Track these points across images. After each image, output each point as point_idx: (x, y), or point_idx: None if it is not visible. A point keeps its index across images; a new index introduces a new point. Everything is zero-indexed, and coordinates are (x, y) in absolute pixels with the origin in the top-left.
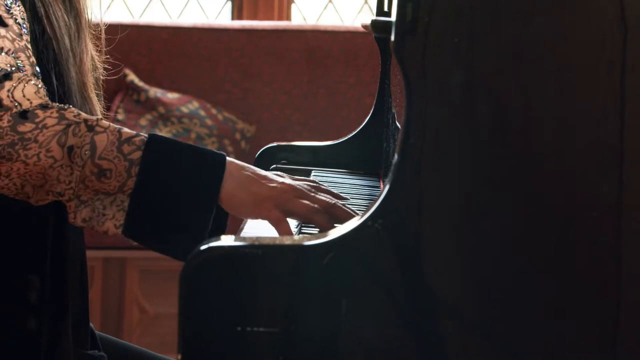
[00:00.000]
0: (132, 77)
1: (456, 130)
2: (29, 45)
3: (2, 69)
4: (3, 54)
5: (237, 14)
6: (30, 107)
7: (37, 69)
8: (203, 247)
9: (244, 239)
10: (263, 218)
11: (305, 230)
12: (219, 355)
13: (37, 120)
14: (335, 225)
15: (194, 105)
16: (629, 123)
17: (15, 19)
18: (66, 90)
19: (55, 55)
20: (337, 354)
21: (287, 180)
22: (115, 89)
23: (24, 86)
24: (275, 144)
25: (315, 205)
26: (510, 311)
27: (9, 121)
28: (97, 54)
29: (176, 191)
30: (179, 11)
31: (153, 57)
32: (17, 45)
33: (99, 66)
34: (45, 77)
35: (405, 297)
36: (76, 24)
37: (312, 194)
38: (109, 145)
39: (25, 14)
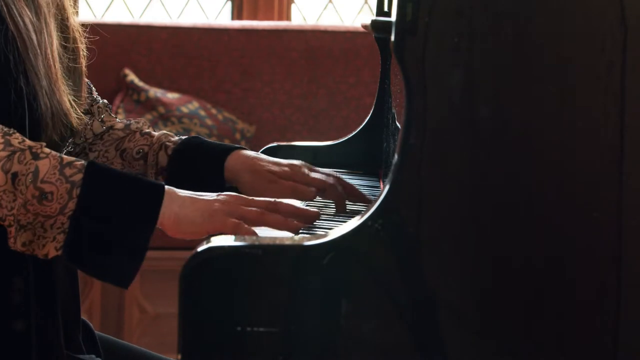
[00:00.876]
0: (132, 77)
1: (456, 130)
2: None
3: None
4: None
5: (237, 14)
6: None
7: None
8: (203, 247)
9: (244, 239)
10: (218, 230)
11: (305, 230)
12: (219, 355)
13: None
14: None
15: (194, 105)
16: (629, 123)
17: None
18: (34, 86)
19: (20, 53)
20: (337, 354)
21: (222, 195)
22: (115, 89)
23: None
24: (275, 144)
25: (260, 210)
26: (510, 311)
27: None
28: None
29: (117, 212)
30: (179, 11)
31: (153, 57)
32: None
33: (81, 54)
34: (11, 76)
35: (405, 297)
36: (38, 17)
37: (250, 200)
38: (51, 168)
39: None
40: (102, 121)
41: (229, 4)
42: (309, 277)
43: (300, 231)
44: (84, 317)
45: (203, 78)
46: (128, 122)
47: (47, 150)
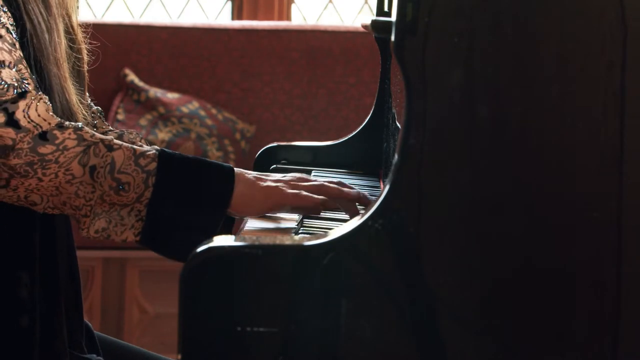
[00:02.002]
0: (132, 77)
1: (456, 130)
2: (22, 54)
3: (9, 85)
4: (6, 68)
5: (237, 14)
6: (48, 128)
7: (35, 77)
8: (203, 247)
9: (244, 239)
10: (279, 203)
11: (305, 230)
12: (219, 355)
13: (57, 142)
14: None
15: (194, 105)
16: (629, 123)
17: (7, 28)
18: (47, 86)
19: (36, 52)
20: (336, 354)
21: (287, 175)
22: (115, 89)
23: (37, 105)
24: (275, 144)
25: (323, 182)
26: (510, 311)
27: (28, 143)
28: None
29: (191, 197)
30: (179, 11)
31: (153, 57)
32: (14, 57)
33: (85, 59)
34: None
35: (405, 297)
36: (49, 16)
37: (309, 177)
38: (126, 160)
39: (12, 20)
40: (95, 127)
41: (229, 4)
42: (309, 277)
43: (300, 231)
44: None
45: (203, 78)
46: (121, 132)
47: (117, 142)
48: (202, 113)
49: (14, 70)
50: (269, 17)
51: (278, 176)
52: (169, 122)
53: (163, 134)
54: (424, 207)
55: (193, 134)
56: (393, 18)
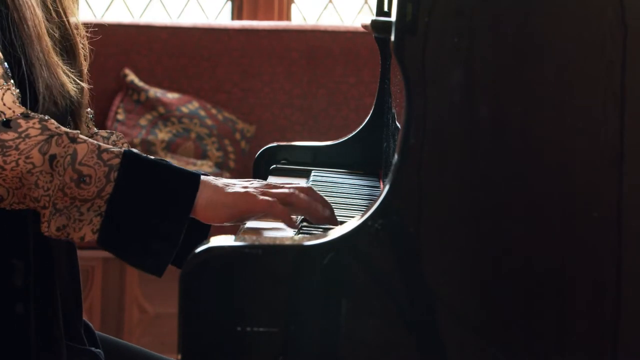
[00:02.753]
0: (132, 77)
1: (456, 130)
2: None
3: None
4: None
5: (237, 14)
6: (13, 116)
7: (6, 65)
8: (203, 247)
9: (244, 239)
10: (250, 210)
11: (305, 230)
12: (219, 355)
13: (20, 130)
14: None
15: (194, 105)
16: (629, 123)
17: None
18: (31, 58)
19: (17, 27)
20: (336, 354)
21: (254, 181)
22: (115, 89)
23: (3, 95)
24: (275, 144)
25: (293, 190)
26: (509, 311)
27: None
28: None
29: (152, 198)
30: (179, 11)
31: (153, 57)
32: None
33: (74, 32)
34: (14, 59)
35: (405, 297)
36: None
37: (281, 185)
38: (89, 152)
39: None
40: (88, 126)
41: (229, 4)
42: (309, 277)
43: (301, 231)
44: (83, 317)
45: (203, 78)
46: (110, 133)
47: (83, 137)
48: (202, 113)
49: None
50: (269, 17)
51: (245, 183)
52: (169, 122)
53: (163, 134)
54: (424, 207)
55: (193, 134)
56: (393, 18)
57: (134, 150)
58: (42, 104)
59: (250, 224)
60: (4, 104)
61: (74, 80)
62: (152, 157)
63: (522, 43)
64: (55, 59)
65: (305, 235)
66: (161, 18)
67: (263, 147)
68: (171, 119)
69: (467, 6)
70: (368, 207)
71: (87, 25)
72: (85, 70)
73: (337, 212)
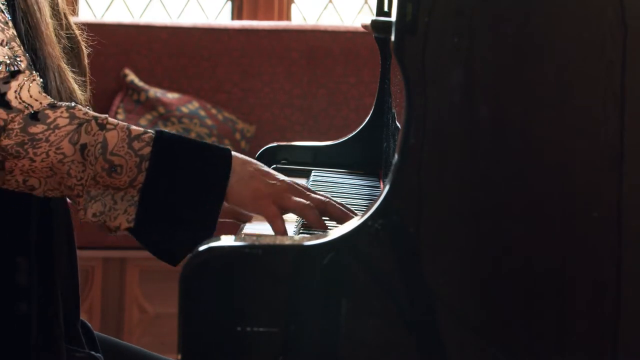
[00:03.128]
0: (132, 77)
1: (456, 130)
2: (15, 32)
3: (1, 62)
4: None
5: (237, 14)
6: (40, 107)
7: (28, 55)
8: (203, 247)
9: (244, 239)
10: (260, 213)
11: (305, 230)
12: (219, 355)
13: (48, 121)
14: (332, 225)
15: (194, 105)
16: (629, 123)
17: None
18: (42, 65)
19: (30, 30)
20: (336, 354)
21: (286, 179)
22: (115, 89)
23: (29, 86)
24: (275, 144)
25: (309, 202)
26: (510, 311)
27: (19, 123)
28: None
29: (185, 186)
30: (179, 11)
31: (153, 57)
32: (7, 35)
33: (80, 42)
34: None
35: (405, 297)
36: None
37: (308, 193)
38: (119, 141)
39: None
40: None
41: (229, 4)
42: (309, 277)
43: (301, 231)
44: (83, 317)
45: (203, 78)
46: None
47: (113, 121)
48: (202, 113)
49: (6, 48)
50: (269, 17)
51: (272, 177)
52: (169, 122)
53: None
54: (424, 207)
55: (193, 134)
56: (393, 18)
57: (166, 131)
58: None
59: (249, 224)
60: (31, 96)
61: (82, 86)
62: (185, 136)
63: (522, 43)
64: (65, 65)
65: (305, 235)
66: (161, 18)
67: (263, 147)
68: (171, 119)
69: (467, 6)
70: (368, 207)
71: (87, 25)
72: (87, 73)
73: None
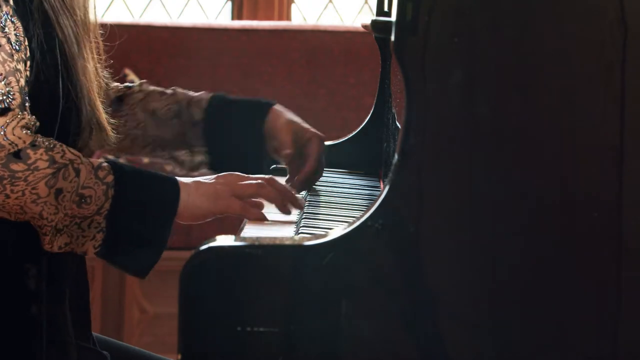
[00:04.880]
0: (132, 77)
1: (456, 130)
2: (20, 66)
3: None
4: None
5: (237, 14)
6: (23, 146)
7: (26, 89)
8: (203, 247)
9: (244, 239)
10: (226, 211)
11: (305, 230)
12: (219, 355)
13: (29, 161)
14: (333, 225)
15: None
16: (629, 123)
17: (8, 38)
18: (78, 94)
19: (67, 60)
20: (337, 354)
21: (220, 174)
22: None
23: (16, 124)
24: None
25: (258, 181)
26: (509, 311)
27: (1, 159)
28: (99, 58)
29: (141, 210)
30: (179, 11)
31: (153, 57)
32: (7, 68)
33: (100, 73)
34: (54, 82)
35: (405, 297)
36: (77, 28)
37: (247, 176)
38: (87, 174)
39: (21, 30)
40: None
41: (229, 4)
42: (309, 277)
43: (301, 231)
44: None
45: (203, 78)
46: (137, 83)
47: (82, 158)
48: None
49: (2, 83)
50: (269, 17)
51: (211, 178)
52: None
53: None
54: (424, 207)
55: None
56: (393, 18)
57: (116, 161)
58: (82, 139)
59: (250, 223)
60: (14, 134)
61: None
62: (130, 166)
63: (522, 43)
64: (99, 102)
65: (305, 235)
66: (161, 18)
67: None
68: None
69: (467, 6)
70: (368, 207)
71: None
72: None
73: (337, 212)
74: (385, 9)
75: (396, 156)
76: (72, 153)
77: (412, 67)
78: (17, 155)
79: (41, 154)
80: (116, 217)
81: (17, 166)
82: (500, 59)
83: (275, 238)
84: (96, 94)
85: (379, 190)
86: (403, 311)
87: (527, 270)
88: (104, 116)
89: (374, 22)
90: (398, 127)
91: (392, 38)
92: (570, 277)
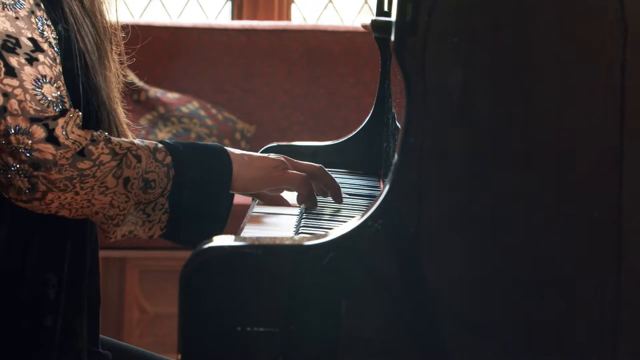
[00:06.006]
0: (132, 77)
1: (456, 130)
2: (61, 69)
3: (49, 101)
4: (47, 83)
5: (237, 14)
6: (85, 144)
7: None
8: (203, 247)
9: (244, 239)
10: (280, 183)
11: (305, 230)
12: (219, 355)
13: (93, 157)
14: (333, 225)
15: (194, 105)
16: (629, 123)
17: (50, 42)
18: (99, 100)
19: (88, 68)
20: (336, 354)
21: (271, 154)
22: None
23: (73, 123)
24: (275, 144)
25: (318, 165)
26: (510, 311)
27: (68, 159)
28: (120, 60)
29: (201, 184)
30: (179, 11)
31: (153, 57)
32: (54, 72)
33: (120, 77)
34: (77, 90)
35: (405, 297)
36: (98, 38)
37: (297, 161)
38: (147, 158)
39: (55, 34)
40: None
41: (229, 4)
42: (309, 277)
43: (301, 231)
44: None
45: (203, 78)
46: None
47: (136, 144)
48: (202, 113)
49: (54, 86)
50: (269, 17)
51: (273, 155)
52: (169, 122)
53: (163, 134)
54: (424, 207)
55: (193, 134)
56: (393, 18)
57: (167, 142)
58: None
59: (250, 224)
60: (74, 133)
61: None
62: (181, 143)
63: (522, 43)
64: (120, 109)
65: (305, 235)
66: (161, 18)
67: (263, 147)
68: (171, 119)
69: (467, 6)
70: (368, 207)
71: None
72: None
73: (337, 212)
74: (385, 9)
75: (396, 156)
76: (125, 141)
77: (412, 67)
78: (82, 153)
79: (102, 148)
80: (178, 197)
81: (83, 164)
82: (500, 59)
83: (275, 238)
84: (117, 100)
85: (379, 190)
86: (403, 311)
87: (526, 270)
88: (123, 121)
89: (374, 22)
90: (398, 127)
91: (392, 38)
92: (570, 277)
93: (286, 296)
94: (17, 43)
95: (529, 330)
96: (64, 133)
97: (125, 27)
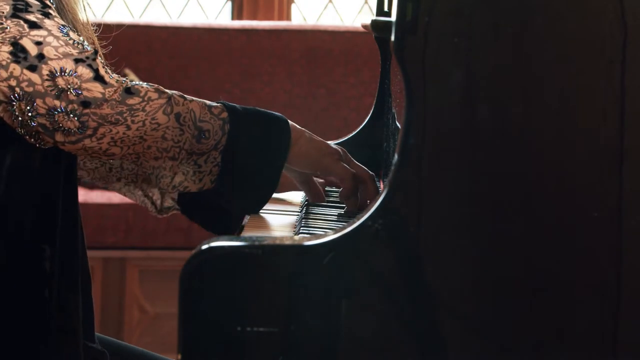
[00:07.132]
0: (132, 77)
1: (456, 130)
2: None
3: (82, 42)
4: (70, 30)
5: (237, 14)
6: (129, 83)
7: None
8: (203, 247)
9: (244, 239)
10: (330, 171)
11: (305, 230)
12: (219, 355)
13: (141, 94)
14: (332, 225)
15: None
16: (629, 123)
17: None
18: None
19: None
20: (336, 354)
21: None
22: None
23: (108, 69)
24: None
25: (369, 172)
26: (510, 311)
27: (118, 95)
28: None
29: (257, 145)
30: (179, 11)
31: (153, 57)
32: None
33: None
34: None
35: (405, 297)
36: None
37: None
38: (201, 109)
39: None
40: None
41: (229, 4)
42: (309, 277)
43: (301, 231)
44: None
45: (203, 78)
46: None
47: (185, 95)
48: None
49: (75, 32)
50: (269, 17)
51: (333, 144)
52: None
53: None
54: (424, 207)
55: None
56: (393, 18)
57: (226, 102)
58: None
59: (250, 224)
60: (112, 77)
61: None
62: (240, 105)
63: (522, 43)
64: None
65: (305, 235)
66: (161, 18)
67: None
68: None
69: (467, 6)
70: (368, 207)
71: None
72: None
73: (337, 212)
74: (385, 9)
75: (396, 156)
76: (175, 92)
77: (412, 67)
78: (129, 91)
79: (147, 88)
80: (232, 153)
81: (132, 100)
82: (500, 59)
83: (275, 238)
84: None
85: (379, 190)
86: (403, 311)
87: (526, 270)
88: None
89: (374, 22)
90: (398, 127)
91: (392, 38)
92: (570, 277)
93: (286, 296)
94: (27, 4)
95: (529, 331)
96: (107, 72)
97: (99, 25)
